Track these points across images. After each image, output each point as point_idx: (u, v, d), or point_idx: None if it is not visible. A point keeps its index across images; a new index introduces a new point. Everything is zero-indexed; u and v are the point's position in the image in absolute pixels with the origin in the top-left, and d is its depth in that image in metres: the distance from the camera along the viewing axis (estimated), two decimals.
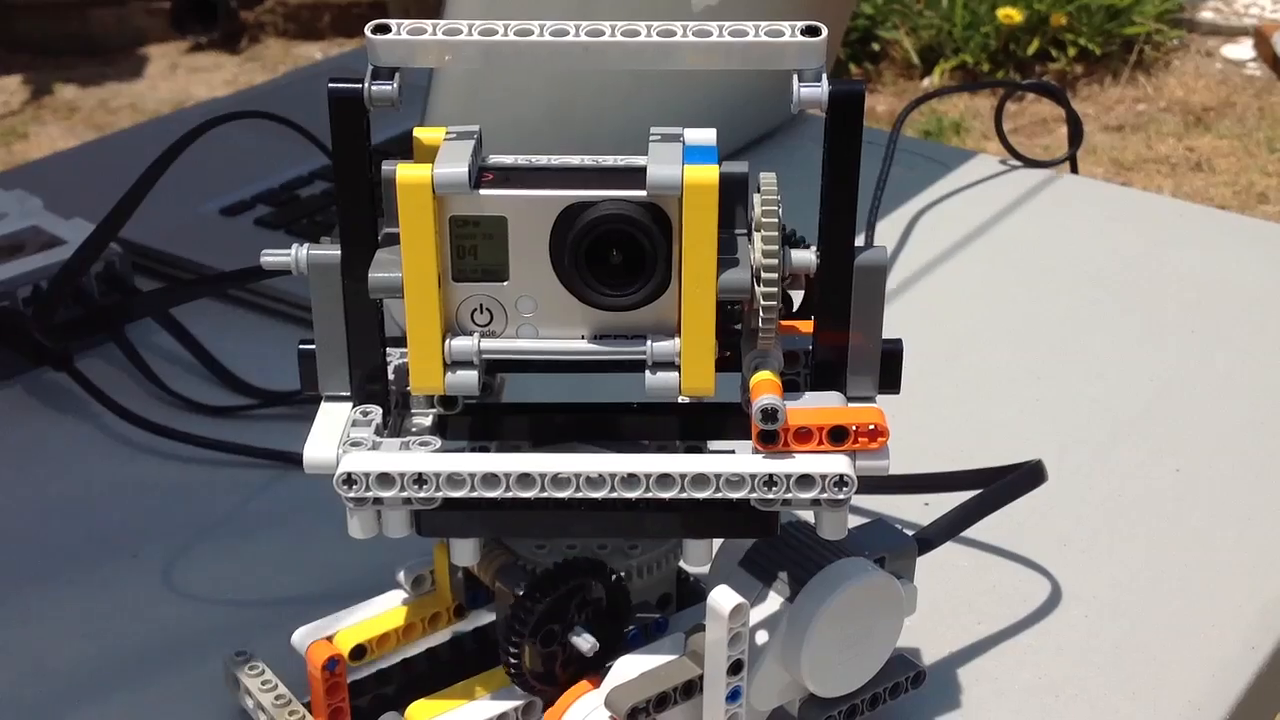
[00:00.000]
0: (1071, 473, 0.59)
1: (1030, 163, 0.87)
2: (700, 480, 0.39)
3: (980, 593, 0.53)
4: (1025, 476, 0.49)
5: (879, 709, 0.45)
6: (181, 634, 0.51)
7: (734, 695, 0.41)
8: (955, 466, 0.58)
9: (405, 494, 0.38)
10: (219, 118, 0.65)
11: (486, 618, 0.47)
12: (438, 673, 0.46)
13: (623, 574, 0.42)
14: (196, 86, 2.87)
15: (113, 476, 0.59)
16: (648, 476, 0.39)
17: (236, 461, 0.60)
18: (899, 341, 0.42)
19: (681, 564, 0.45)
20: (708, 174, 0.38)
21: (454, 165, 0.37)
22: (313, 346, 0.41)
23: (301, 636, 0.45)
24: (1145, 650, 0.50)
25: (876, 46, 2.81)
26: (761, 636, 0.42)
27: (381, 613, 0.45)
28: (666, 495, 0.39)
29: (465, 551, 0.41)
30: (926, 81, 2.79)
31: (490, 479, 0.38)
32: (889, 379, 0.42)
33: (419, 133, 0.39)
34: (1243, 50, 2.89)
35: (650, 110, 0.74)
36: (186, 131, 0.62)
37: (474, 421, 0.42)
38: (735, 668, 0.40)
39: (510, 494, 0.38)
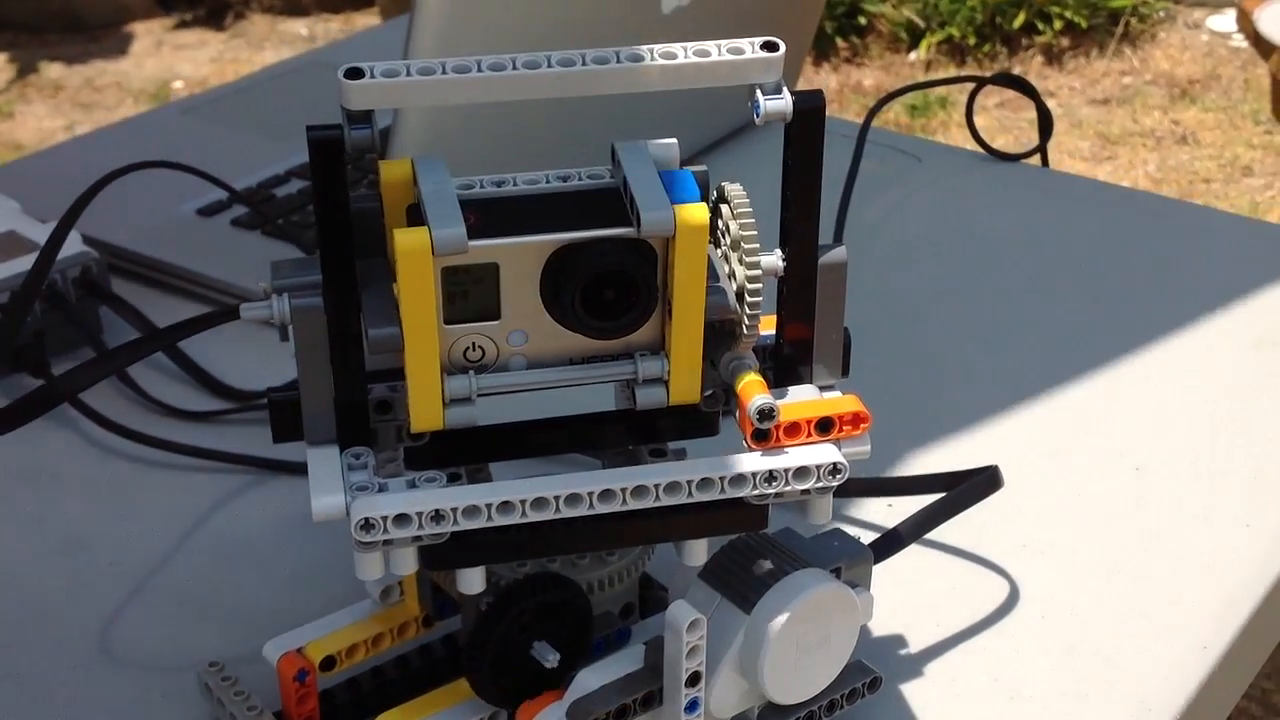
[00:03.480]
0: (1033, 473, 0.60)
1: (1001, 156, 0.88)
2: (706, 484, 0.41)
3: (940, 594, 0.54)
4: (981, 484, 0.50)
5: (836, 714, 0.46)
6: (157, 641, 0.52)
7: (692, 706, 0.42)
8: (919, 465, 0.59)
9: (421, 531, 0.38)
10: (123, 169, 0.63)
11: (455, 626, 0.48)
12: (408, 680, 0.47)
13: (586, 587, 0.44)
14: (182, 64, 2.87)
15: (89, 481, 0.60)
16: (657, 486, 0.40)
17: (213, 467, 0.61)
18: (847, 330, 0.44)
19: (649, 571, 0.47)
20: (698, 214, 0.39)
21: (450, 226, 0.37)
22: (287, 395, 0.41)
23: (272, 648, 0.46)
24: (1099, 651, 0.51)
25: (863, 20, 2.81)
26: (720, 647, 0.43)
27: (351, 624, 0.46)
28: (674, 501, 0.40)
29: (474, 580, 0.41)
30: (913, 55, 2.80)
31: (506, 507, 0.39)
32: (843, 366, 0.45)
33: (385, 168, 0.40)
34: (1228, 22, 2.90)
35: (612, 116, 0.74)
36: (90, 186, 0.61)
37: (438, 449, 0.43)
38: (693, 680, 0.41)
39: (525, 519, 0.39)
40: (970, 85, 0.87)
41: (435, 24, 0.60)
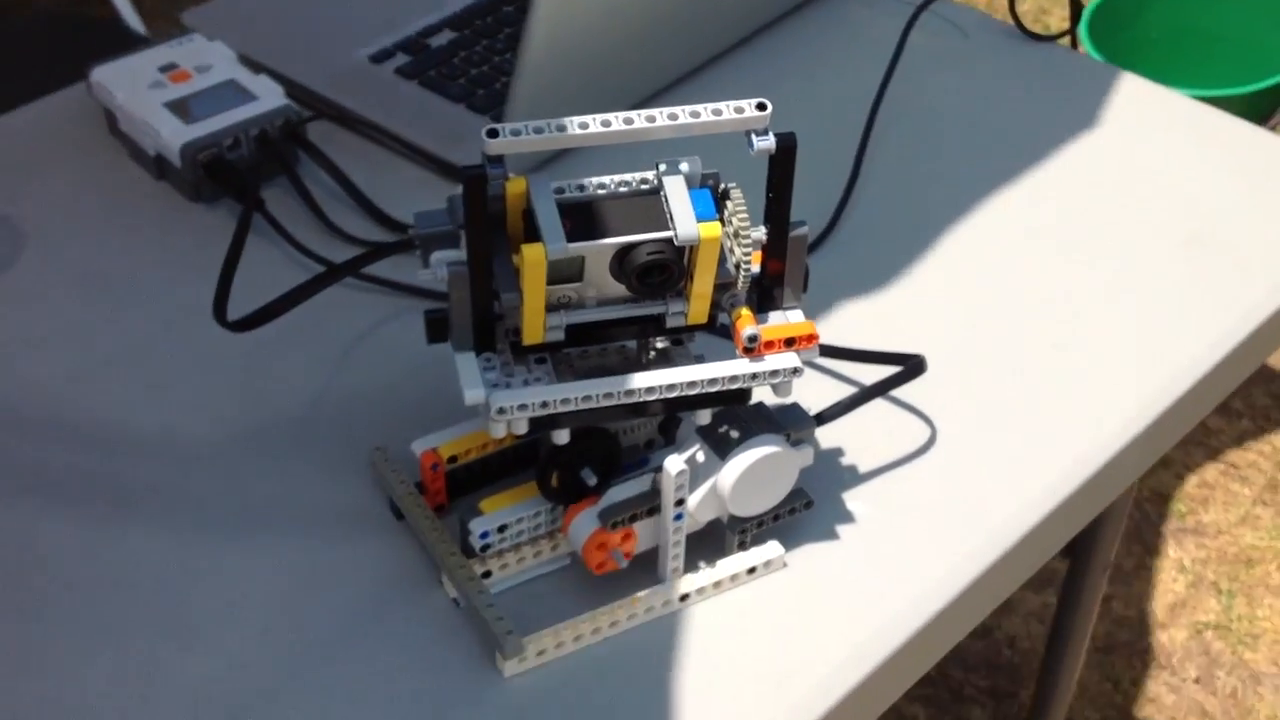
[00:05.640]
0: (981, 343, 0.81)
1: (1034, 36, 1.04)
2: (713, 381, 0.64)
3: (880, 435, 0.76)
4: (909, 371, 0.72)
5: (780, 521, 0.69)
6: (342, 427, 0.76)
7: (679, 516, 0.66)
8: (882, 328, 0.81)
9: (532, 413, 0.62)
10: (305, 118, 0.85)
11: (536, 434, 0.72)
12: (504, 468, 0.72)
13: (623, 430, 0.67)
14: None
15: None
16: (683, 384, 0.63)
17: (379, 289, 0.84)
18: (807, 266, 0.66)
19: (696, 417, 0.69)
20: (713, 230, 0.61)
21: (556, 241, 0.59)
22: (439, 313, 0.63)
23: (418, 445, 0.70)
24: (974, 483, 0.74)
25: None
26: (703, 478, 0.66)
27: (469, 433, 0.71)
28: (692, 392, 0.63)
29: (563, 435, 0.64)
30: None
31: (587, 398, 0.62)
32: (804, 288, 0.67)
33: (509, 185, 0.60)
34: None
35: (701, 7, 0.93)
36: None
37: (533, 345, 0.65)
38: (679, 502, 0.65)
39: (599, 405, 0.62)
40: None
41: (530, 92, 0.81)
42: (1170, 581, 1.84)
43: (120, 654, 0.66)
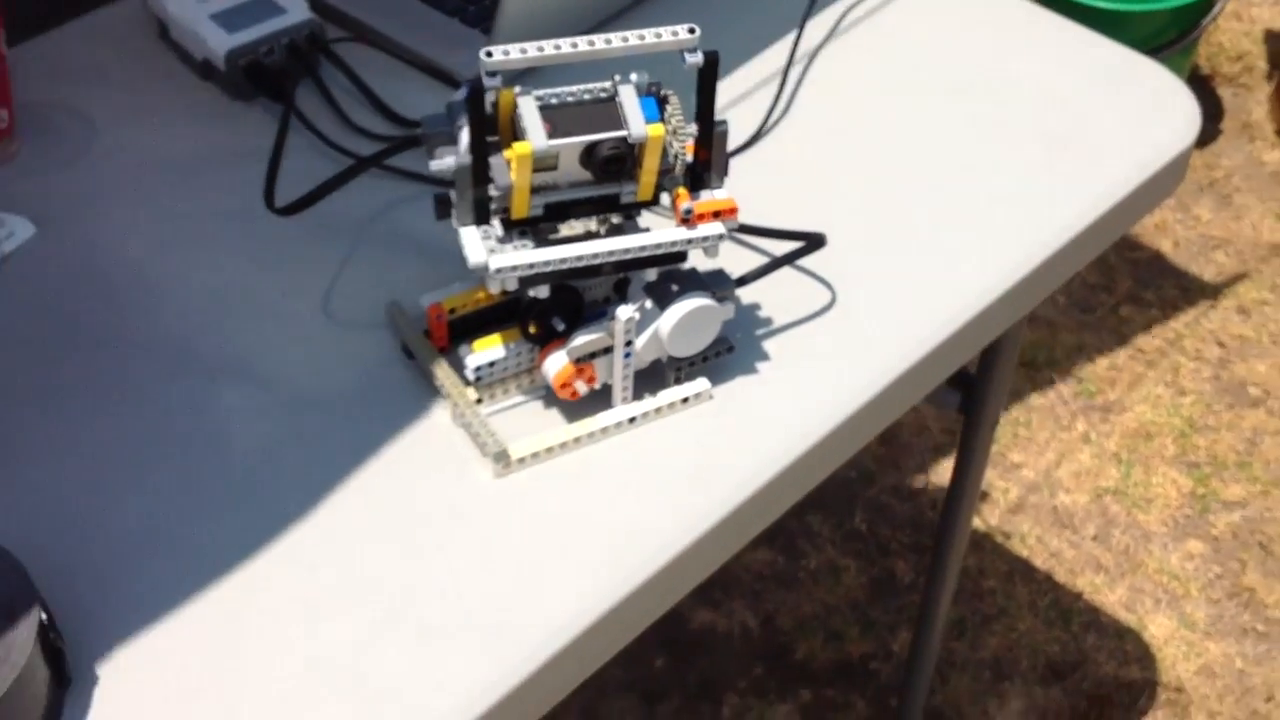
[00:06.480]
0: (875, 223, 1.01)
1: None
2: (657, 245, 0.83)
3: (789, 296, 0.95)
4: (811, 244, 0.92)
5: (708, 361, 0.89)
6: (361, 283, 0.95)
7: (628, 355, 0.85)
8: (801, 215, 1.00)
9: (520, 273, 0.81)
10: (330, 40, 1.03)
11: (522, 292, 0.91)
12: (497, 319, 0.91)
13: (584, 287, 0.87)
14: None
15: (315, 179, 1.02)
16: (635, 248, 0.82)
17: (392, 177, 1.03)
18: (728, 156, 0.85)
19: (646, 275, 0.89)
20: (658, 130, 0.80)
21: (539, 141, 0.78)
22: (445, 195, 0.82)
23: (425, 299, 0.89)
24: (864, 333, 0.93)
25: None
26: (647, 325, 0.86)
27: (468, 289, 0.90)
28: (642, 255, 0.83)
29: (543, 290, 0.83)
30: None
31: (562, 260, 0.81)
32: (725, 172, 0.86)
33: (501, 95, 0.79)
34: None
35: None
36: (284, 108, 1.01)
37: (520, 220, 0.84)
38: (629, 343, 0.85)
39: (571, 265, 0.81)
40: None
41: (512, 18, 0.99)
42: (1077, 452, 2.06)
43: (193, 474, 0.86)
